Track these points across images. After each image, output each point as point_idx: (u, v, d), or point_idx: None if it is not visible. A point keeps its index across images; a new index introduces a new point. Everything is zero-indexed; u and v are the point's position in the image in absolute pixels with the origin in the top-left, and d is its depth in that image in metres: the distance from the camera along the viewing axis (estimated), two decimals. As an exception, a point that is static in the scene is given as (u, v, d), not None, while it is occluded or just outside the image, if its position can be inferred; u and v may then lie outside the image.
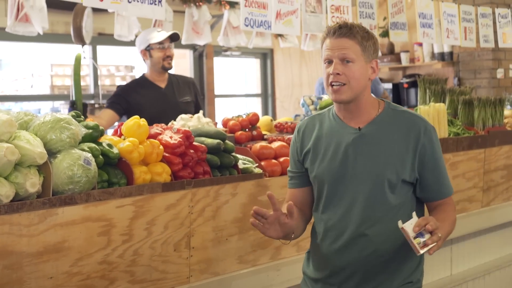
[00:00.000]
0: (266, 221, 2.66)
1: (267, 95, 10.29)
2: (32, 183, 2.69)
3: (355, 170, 2.75)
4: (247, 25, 4.30)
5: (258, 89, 10.40)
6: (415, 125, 2.73)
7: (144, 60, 5.21)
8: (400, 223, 2.51)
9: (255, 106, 10.41)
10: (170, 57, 5.12)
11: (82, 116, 3.20)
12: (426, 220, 2.48)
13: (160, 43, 5.08)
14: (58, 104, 9.25)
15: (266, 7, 4.43)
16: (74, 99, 4.28)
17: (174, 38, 5.18)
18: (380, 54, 8.90)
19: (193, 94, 5.36)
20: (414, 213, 2.55)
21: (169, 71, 5.29)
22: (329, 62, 2.72)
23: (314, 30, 5.00)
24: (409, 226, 2.49)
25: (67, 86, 8.95)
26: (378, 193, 2.73)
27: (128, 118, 5.04)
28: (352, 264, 2.78)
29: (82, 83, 8.76)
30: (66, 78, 9.11)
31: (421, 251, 2.46)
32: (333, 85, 2.70)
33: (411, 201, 2.79)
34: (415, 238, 2.47)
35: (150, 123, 4.10)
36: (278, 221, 2.68)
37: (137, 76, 5.42)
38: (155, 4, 3.92)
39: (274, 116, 10.02)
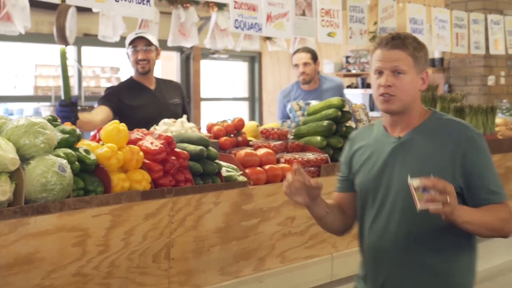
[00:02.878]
0: (292, 184, 2.64)
1: (254, 99, 10.17)
2: (2, 190, 2.56)
3: (393, 180, 2.69)
4: (237, 27, 4.19)
5: (245, 93, 10.27)
6: (457, 134, 2.64)
7: None
8: (409, 177, 2.43)
9: (242, 110, 10.29)
10: (143, 61, 4.95)
11: (58, 120, 3.06)
12: (437, 180, 2.39)
13: (133, 46, 4.94)
14: (39, 105, 9.10)
15: (256, 9, 4.32)
16: (63, 98, 4.12)
17: (150, 40, 5.03)
18: (369, 59, 8.82)
19: (181, 97, 5.25)
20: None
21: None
22: (380, 73, 2.68)
23: (306, 33, 4.89)
24: (416, 180, 2.40)
25: (51, 87, 8.79)
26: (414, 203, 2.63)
27: (120, 118, 4.95)
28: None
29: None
30: (50, 79, 8.97)
31: (420, 206, 2.38)
32: (384, 95, 2.67)
33: None
34: (418, 191, 2.38)
35: (142, 124, 4.01)
36: (306, 189, 2.66)
37: (123, 78, 5.29)
38: (144, 4, 3.79)
39: (261, 121, 9.89)
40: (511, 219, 2.60)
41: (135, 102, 4.91)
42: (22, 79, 9.13)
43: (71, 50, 5.58)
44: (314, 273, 3.84)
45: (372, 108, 8.55)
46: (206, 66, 9.52)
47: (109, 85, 9.32)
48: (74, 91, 7.95)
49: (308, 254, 3.83)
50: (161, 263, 3.09)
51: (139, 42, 4.93)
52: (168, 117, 4.19)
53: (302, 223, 3.76)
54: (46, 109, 5.12)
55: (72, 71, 8.21)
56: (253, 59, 10.08)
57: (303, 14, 4.96)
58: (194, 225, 3.21)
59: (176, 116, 4.47)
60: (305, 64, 6.07)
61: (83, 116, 4.36)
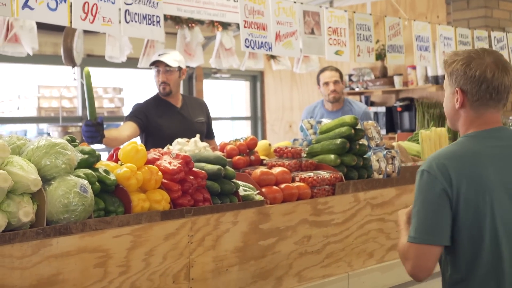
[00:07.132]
0: None
1: (257, 118, 10.15)
2: (25, 212, 2.54)
3: None
4: (247, 46, 4.18)
5: (247, 112, 10.26)
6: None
7: None
8: None
9: (244, 129, 10.26)
10: (163, 83, 4.96)
11: (77, 141, 3.04)
12: None
13: (156, 67, 4.95)
14: (44, 126, 9.06)
15: (265, 28, 4.32)
16: (89, 118, 4.12)
17: (170, 62, 5.03)
18: (372, 77, 8.81)
19: (206, 115, 5.25)
20: None
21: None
22: None
23: (315, 52, 4.89)
24: None
25: (54, 108, 8.78)
26: None
27: (146, 135, 4.96)
28: None
29: (70, 105, 8.62)
30: (53, 100, 8.94)
31: None
32: None
33: None
34: None
35: (167, 142, 4.03)
36: None
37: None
38: (154, 25, 3.79)
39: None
40: (405, 260, 2.52)
41: (161, 120, 4.92)
42: (25, 101, 9.10)
43: (76, 71, 5.55)
44: (330, 292, 3.82)
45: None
46: (207, 86, 9.51)
47: (111, 106, 9.32)
48: (78, 112, 7.93)
49: (325, 273, 3.80)
50: (181, 284, 3.07)
51: (160, 63, 4.94)
52: (193, 135, 4.20)
53: (318, 242, 3.74)
54: (54, 130, 5.11)
55: (76, 92, 8.20)
56: (255, 78, 10.07)
57: (312, 32, 4.96)
58: (213, 245, 3.19)
59: (201, 134, 4.50)
60: (335, 82, 6.18)
61: (109, 133, 4.37)
